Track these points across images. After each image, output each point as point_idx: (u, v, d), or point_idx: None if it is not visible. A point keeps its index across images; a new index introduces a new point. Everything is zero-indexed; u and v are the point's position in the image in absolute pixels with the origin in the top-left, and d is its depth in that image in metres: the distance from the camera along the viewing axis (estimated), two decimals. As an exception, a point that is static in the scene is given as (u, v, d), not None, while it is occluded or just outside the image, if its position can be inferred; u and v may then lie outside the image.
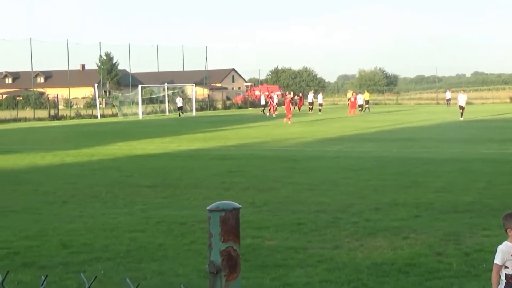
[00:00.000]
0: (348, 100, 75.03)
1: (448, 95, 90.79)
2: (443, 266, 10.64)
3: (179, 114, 78.17)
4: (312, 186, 19.49)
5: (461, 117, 54.39)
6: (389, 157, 26.80)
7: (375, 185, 19.39)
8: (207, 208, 3.59)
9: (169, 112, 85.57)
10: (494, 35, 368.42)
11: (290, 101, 59.45)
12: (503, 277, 7.22)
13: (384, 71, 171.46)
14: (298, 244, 12.24)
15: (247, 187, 19.64)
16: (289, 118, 54.16)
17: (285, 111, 56.01)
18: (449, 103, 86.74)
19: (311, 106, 79.01)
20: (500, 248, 7.24)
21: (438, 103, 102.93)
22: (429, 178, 20.60)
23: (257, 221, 14.47)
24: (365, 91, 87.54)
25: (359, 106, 72.21)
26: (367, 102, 76.62)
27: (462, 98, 57.06)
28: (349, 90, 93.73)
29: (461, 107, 55.90)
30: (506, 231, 7.29)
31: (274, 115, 68.16)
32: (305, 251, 11.71)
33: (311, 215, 15.05)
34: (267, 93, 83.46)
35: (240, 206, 3.61)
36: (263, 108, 79.44)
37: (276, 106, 74.53)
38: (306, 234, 13.11)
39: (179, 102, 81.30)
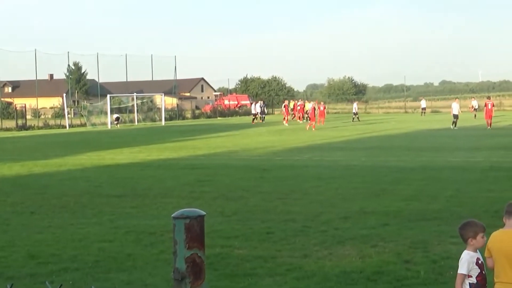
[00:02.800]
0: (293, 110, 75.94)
1: (424, 103, 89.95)
2: (411, 274, 10.72)
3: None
4: (281, 195, 19.53)
5: (454, 126, 54.25)
6: (358, 166, 26.93)
7: (345, 194, 19.48)
8: (172, 215, 3.61)
9: (138, 121, 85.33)
10: (461, 44, 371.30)
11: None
12: (467, 287, 7.28)
13: (353, 80, 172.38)
14: (267, 253, 12.27)
15: (216, 196, 19.64)
16: (313, 126, 57.11)
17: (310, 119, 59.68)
18: (424, 112, 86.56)
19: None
20: (465, 258, 7.29)
21: (406, 112, 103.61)
22: (398, 186, 20.72)
23: (226, 230, 14.49)
24: (306, 101, 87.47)
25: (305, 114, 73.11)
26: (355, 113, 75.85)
27: (455, 107, 56.86)
28: (298, 100, 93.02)
29: (455, 116, 55.59)
30: (465, 241, 7.36)
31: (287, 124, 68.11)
32: (274, 260, 11.74)
33: (280, 224, 15.09)
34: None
35: (204, 213, 3.64)
36: (254, 117, 79.43)
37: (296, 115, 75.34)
38: (275, 243, 13.15)
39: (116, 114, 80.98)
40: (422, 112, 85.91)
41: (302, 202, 18.34)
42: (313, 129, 56.22)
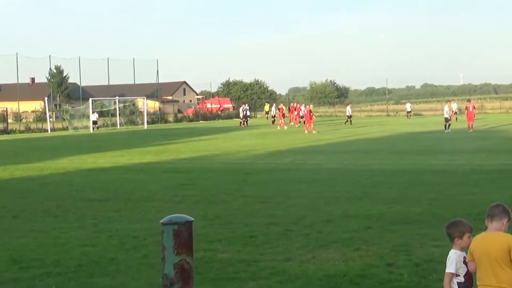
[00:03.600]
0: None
1: (409, 107, 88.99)
2: (394, 277, 10.75)
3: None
4: (264, 199, 19.54)
5: (447, 128, 54.24)
6: (340, 169, 26.97)
7: (327, 197, 19.50)
8: (160, 221, 3.61)
9: (120, 125, 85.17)
10: (442, 47, 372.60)
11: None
12: (455, 286, 7.32)
13: (335, 83, 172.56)
14: (250, 257, 12.28)
15: (199, 200, 19.64)
16: (313, 128, 57.56)
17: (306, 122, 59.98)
18: (410, 115, 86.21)
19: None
20: (453, 256, 7.33)
21: (388, 115, 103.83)
22: (380, 190, 20.77)
23: (210, 234, 14.48)
24: (274, 104, 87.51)
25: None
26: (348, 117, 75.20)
27: (447, 109, 56.70)
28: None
29: (446, 119, 55.42)
30: (452, 240, 7.40)
31: (285, 127, 67.74)
32: (257, 264, 11.75)
33: (263, 228, 15.10)
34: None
35: (193, 219, 3.64)
36: (242, 121, 79.12)
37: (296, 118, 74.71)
38: (258, 246, 13.15)
39: (93, 117, 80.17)
40: (407, 115, 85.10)
41: (284, 205, 18.36)
42: (314, 131, 56.46)
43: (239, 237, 14.11)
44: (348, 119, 73.91)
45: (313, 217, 16.29)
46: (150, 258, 12.37)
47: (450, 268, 7.34)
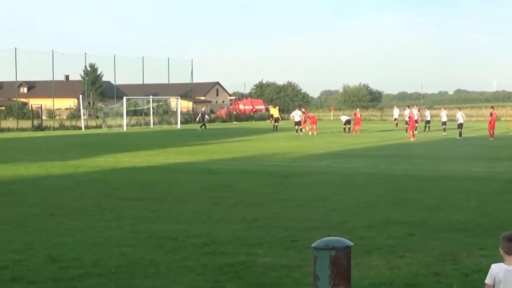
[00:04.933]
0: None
1: (445, 115, 78.78)
2: (443, 287, 10.42)
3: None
4: (302, 203, 19.25)
5: (459, 136, 53.66)
6: (378, 174, 26.63)
7: (366, 202, 19.20)
8: (313, 245, 3.24)
9: (153, 124, 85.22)
10: (477, 53, 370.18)
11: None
12: None
13: (369, 87, 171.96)
14: (293, 262, 12.00)
15: (236, 203, 19.38)
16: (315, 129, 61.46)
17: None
18: (445, 128, 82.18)
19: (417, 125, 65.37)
20: (492, 266, 6.98)
21: (422, 120, 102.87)
22: (420, 196, 20.41)
23: (249, 237, 14.22)
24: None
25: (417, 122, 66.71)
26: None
27: (460, 116, 56.00)
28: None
29: (460, 125, 54.78)
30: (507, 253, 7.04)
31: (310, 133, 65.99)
32: (300, 269, 11.45)
33: (304, 232, 14.82)
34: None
35: (352, 244, 3.21)
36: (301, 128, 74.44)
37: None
38: (300, 251, 12.86)
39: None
40: (443, 128, 74.27)
41: (323, 210, 18.06)
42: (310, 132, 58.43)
43: (280, 241, 13.84)
44: (427, 125, 68.16)
45: (353, 222, 15.99)
46: (189, 261, 12.14)
47: (487, 279, 7.01)
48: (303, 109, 70.04)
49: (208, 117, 77.93)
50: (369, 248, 13.08)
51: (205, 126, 75.47)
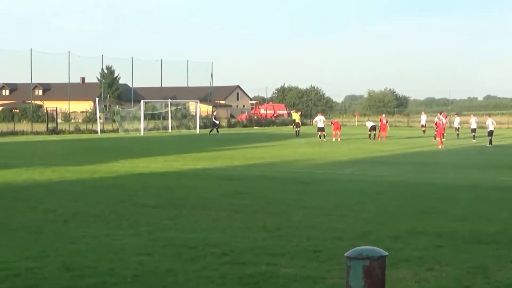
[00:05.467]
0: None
1: (474, 122, 74.86)
2: (474, 302, 10.31)
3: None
4: (325, 211, 19.16)
5: (489, 144, 53.45)
6: (404, 182, 26.50)
7: (393, 211, 19.08)
8: (346, 254, 3.20)
9: (171, 128, 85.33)
10: (507, 59, 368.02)
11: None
12: None
13: (394, 92, 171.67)
14: (316, 273, 11.90)
15: (257, 210, 19.31)
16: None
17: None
18: (474, 135, 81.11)
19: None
20: None
21: (451, 127, 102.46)
22: (448, 205, 20.26)
23: (271, 246, 14.14)
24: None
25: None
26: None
27: (490, 123, 55.79)
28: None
29: (490, 133, 54.61)
30: None
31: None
32: (324, 281, 11.36)
33: (327, 242, 14.72)
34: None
35: (387, 253, 3.16)
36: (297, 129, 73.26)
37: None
38: (324, 262, 12.77)
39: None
40: (473, 135, 71.92)
41: (347, 219, 17.96)
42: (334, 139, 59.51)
43: (302, 251, 13.75)
44: (456, 132, 67.51)
45: (379, 233, 15.87)
46: (208, 271, 12.07)
47: None
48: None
49: (217, 122, 77.36)
50: (396, 260, 12.95)
51: (217, 131, 75.43)
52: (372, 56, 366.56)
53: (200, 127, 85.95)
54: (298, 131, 71.33)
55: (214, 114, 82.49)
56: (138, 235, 15.62)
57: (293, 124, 78.93)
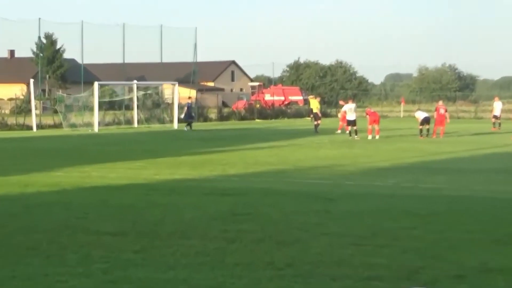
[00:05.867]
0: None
1: None
2: None
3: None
4: (357, 239, 19.23)
5: None
6: (471, 197, 26.63)
7: (454, 240, 19.13)
8: None
9: (138, 122, 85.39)
10: None
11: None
12: None
13: (456, 69, 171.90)
14: (345, 330, 11.98)
15: (261, 239, 19.36)
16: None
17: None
18: None
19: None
20: None
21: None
22: (534, 231, 20.37)
23: (280, 291, 14.23)
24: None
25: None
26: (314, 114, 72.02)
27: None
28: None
29: None
30: None
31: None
32: None
33: (360, 285, 14.78)
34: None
35: None
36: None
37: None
38: (356, 313, 12.85)
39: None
40: None
41: (389, 250, 18.01)
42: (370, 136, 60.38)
43: (325, 298, 13.84)
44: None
45: (434, 270, 15.93)
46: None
47: None
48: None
49: (194, 114, 77.61)
50: (459, 309, 13.05)
51: (190, 126, 75.65)
52: (425, 17, 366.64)
53: (179, 121, 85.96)
54: (318, 124, 71.44)
55: (190, 102, 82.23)
56: (90, 274, 15.66)
57: (311, 115, 79.20)
